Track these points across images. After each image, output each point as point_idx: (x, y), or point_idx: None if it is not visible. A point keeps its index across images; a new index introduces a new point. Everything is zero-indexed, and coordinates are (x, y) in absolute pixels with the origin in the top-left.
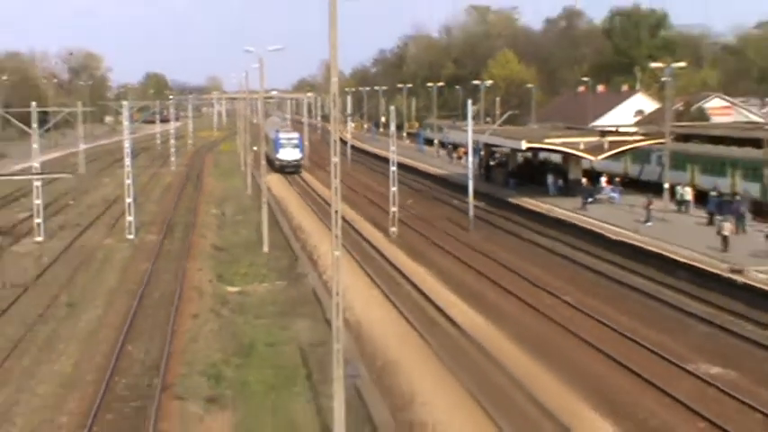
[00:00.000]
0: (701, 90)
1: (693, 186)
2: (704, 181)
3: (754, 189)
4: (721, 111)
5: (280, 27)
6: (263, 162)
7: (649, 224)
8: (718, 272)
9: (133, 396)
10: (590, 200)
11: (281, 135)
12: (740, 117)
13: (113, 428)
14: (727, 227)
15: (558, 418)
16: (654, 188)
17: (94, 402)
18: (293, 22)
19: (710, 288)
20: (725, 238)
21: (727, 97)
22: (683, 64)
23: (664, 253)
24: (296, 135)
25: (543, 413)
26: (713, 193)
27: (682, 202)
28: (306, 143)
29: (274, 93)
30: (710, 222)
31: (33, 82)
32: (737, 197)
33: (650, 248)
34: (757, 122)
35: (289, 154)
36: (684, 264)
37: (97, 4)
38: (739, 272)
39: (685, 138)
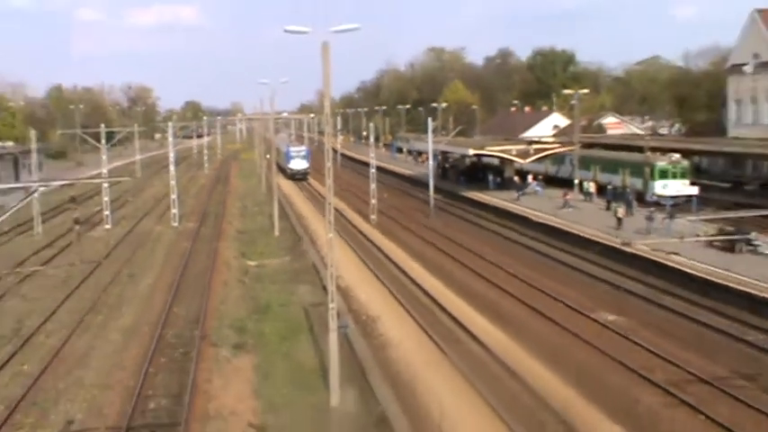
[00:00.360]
0: (599, 110)
1: (595, 181)
2: (603, 177)
3: (638, 183)
4: (614, 125)
5: (287, 62)
6: (275, 168)
7: (566, 210)
8: (613, 244)
9: (179, 343)
10: (521, 192)
11: (292, 148)
12: (627, 130)
13: (165, 368)
14: (621, 211)
15: (493, 349)
16: (567, 183)
17: (150, 348)
18: (296, 58)
19: (608, 256)
20: (619, 219)
21: (618, 115)
22: (586, 91)
23: (574, 231)
24: (304, 148)
25: (482, 346)
26: (609, 187)
27: (587, 194)
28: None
29: (285, 114)
30: (608, 208)
31: (102, 109)
32: (627, 189)
33: (564, 228)
34: (639, 134)
35: (298, 164)
36: (589, 239)
37: (150, 48)
38: (628, 244)
39: (589, 145)
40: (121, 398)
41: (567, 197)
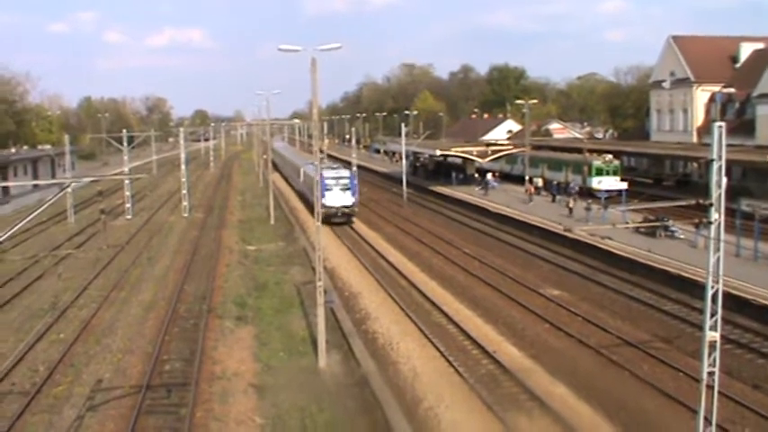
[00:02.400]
0: (546, 117)
1: (543, 178)
2: (550, 175)
3: (578, 179)
4: (559, 130)
5: (281, 75)
6: (270, 167)
7: (530, 204)
8: (557, 231)
9: (190, 316)
10: (485, 186)
11: (329, 173)
12: (569, 134)
13: (178, 336)
14: (571, 202)
15: (454, 318)
16: (519, 180)
17: (165, 320)
18: (289, 72)
19: (552, 241)
20: (570, 210)
21: (561, 122)
22: (535, 101)
23: (524, 219)
24: (346, 173)
25: (446, 316)
26: (554, 182)
27: (537, 188)
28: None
29: (295, 121)
30: (553, 200)
31: (124, 117)
32: (570, 184)
33: (515, 216)
34: (579, 138)
35: (339, 199)
36: (537, 226)
37: (165, 65)
38: (569, 230)
39: (537, 147)
40: (142, 361)
41: (531, 192)
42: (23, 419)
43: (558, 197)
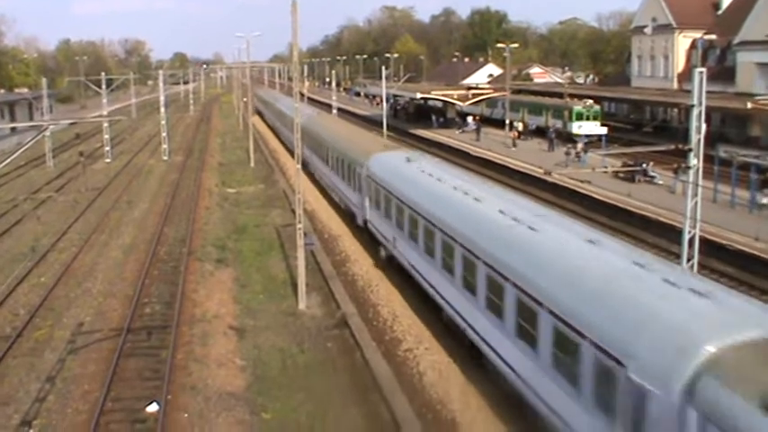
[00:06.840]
0: (527, 62)
1: (523, 122)
2: (530, 119)
3: (558, 123)
4: (539, 75)
5: (262, 17)
6: (250, 110)
7: (514, 149)
8: (537, 175)
9: (170, 259)
10: (476, 131)
11: None
12: (550, 79)
13: (158, 278)
14: (580, 146)
15: None
16: (499, 123)
17: (145, 263)
18: (270, 15)
19: (532, 184)
20: (578, 155)
21: (542, 66)
22: (516, 45)
23: (505, 163)
24: None
25: None
26: (549, 127)
27: (520, 133)
28: None
29: (275, 65)
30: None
31: (103, 60)
32: (550, 128)
33: (495, 160)
34: (560, 83)
35: None
36: (517, 170)
37: (145, 7)
38: (549, 174)
39: (518, 91)
40: (122, 304)
41: (515, 137)
42: (5, 363)
43: (549, 142)
